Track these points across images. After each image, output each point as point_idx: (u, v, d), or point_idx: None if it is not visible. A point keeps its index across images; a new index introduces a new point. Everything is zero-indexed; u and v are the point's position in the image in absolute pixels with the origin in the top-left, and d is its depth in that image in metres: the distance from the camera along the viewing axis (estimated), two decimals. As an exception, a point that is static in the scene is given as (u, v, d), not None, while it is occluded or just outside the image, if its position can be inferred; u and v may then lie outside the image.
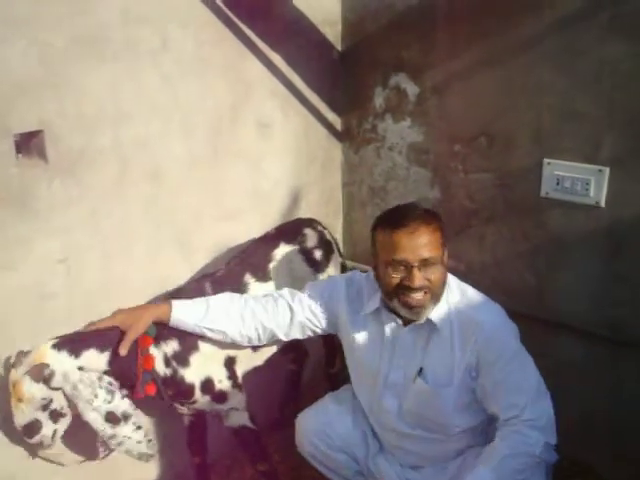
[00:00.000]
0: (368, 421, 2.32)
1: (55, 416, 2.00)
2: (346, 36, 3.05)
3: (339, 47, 3.07)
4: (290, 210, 2.95)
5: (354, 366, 2.31)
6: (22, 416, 1.95)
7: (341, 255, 2.79)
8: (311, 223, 2.70)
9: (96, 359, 2.04)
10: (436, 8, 2.72)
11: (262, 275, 2.45)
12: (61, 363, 1.97)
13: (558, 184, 2.51)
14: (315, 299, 2.26)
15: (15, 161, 2.00)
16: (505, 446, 1.95)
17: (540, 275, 2.66)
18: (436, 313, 2.05)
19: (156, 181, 2.40)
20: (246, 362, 2.42)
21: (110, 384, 2.04)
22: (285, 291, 2.30)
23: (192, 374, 2.24)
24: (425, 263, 1.95)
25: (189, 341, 2.23)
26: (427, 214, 2.03)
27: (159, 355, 2.18)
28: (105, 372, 2.06)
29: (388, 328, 2.15)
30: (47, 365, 1.94)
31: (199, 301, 2.21)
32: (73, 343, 2.02)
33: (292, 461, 2.69)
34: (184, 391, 2.24)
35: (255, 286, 2.42)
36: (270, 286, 2.45)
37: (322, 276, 2.60)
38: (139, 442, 2.09)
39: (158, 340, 2.18)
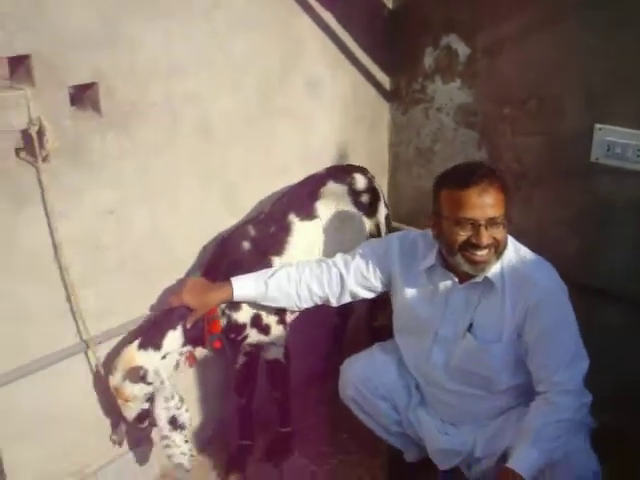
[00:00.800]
0: (412, 374, 2.36)
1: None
2: (397, -6, 3.02)
3: (390, 5, 3.04)
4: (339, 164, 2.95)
5: (403, 321, 2.33)
6: (131, 412, 2.23)
7: (387, 207, 2.81)
8: (360, 169, 2.73)
9: (173, 339, 2.25)
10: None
11: (307, 214, 2.49)
12: (150, 361, 2.20)
13: (609, 150, 2.49)
14: (367, 262, 2.31)
15: (69, 113, 2.03)
16: (537, 417, 2.01)
17: (586, 241, 2.65)
18: (494, 273, 2.08)
19: (205, 136, 2.42)
20: None
21: (181, 399, 2.27)
22: (338, 258, 2.35)
23: (243, 315, 2.38)
24: (492, 222, 1.98)
25: None
26: (493, 174, 2.04)
27: (218, 310, 2.33)
28: (182, 344, 2.27)
29: (442, 285, 2.18)
30: (140, 367, 2.18)
31: (259, 279, 2.31)
32: (152, 337, 2.23)
33: (332, 412, 2.79)
34: (238, 329, 2.41)
35: (299, 225, 2.46)
36: (316, 224, 2.50)
37: (370, 222, 2.66)
38: (183, 454, 2.28)
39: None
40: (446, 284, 2.17)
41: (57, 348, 2.17)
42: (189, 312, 2.24)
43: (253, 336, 2.45)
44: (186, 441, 2.28)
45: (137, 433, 2.44)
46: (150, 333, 2.25)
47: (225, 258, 2.37)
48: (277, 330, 2.48)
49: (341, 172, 2.66)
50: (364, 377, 2.37)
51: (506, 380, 2.15)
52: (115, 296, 2.29)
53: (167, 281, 2.45)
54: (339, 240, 2.55)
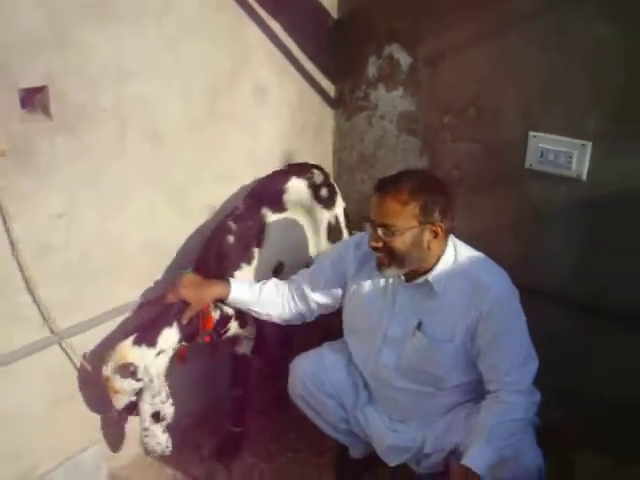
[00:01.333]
0: (361, 373, 2.42)
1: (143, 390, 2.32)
2: (342, 4, 3.09)
3: (335, 15, 3.11)
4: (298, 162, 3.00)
5: (354, 322, 2.40)
6: (119, 402, 2.31)
7: (343, 200, 2.91)
8: (317, 166, 2.84)
9: (168, 336, 2.34)
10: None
11: (278, 207, 2.63)
12: (143, 357, 2.28)
13: (542, 156, 2.60)
14: (325, 270, 2.41)
15: (20, 116, 2.03)
16: (491, 416, 2.08)
17: (523, 244, 2.76)
18: (436, 276, 2.16)
19: (154, 140, 2.45)
20: None
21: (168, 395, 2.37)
22: (299, 275, 2.47)
23: (230, 309, 2.50)
24: (385, 229, 2.08)
25: (228, 277, 2.45)
26: (405, 186, 2.07)
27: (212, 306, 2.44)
28: (178, 340, 2.36)
29: (391, 285, 2.27)
30: (131, 364, 2.25)
31: (253, 285, 2.44)
32: (148, 333, 2.32)
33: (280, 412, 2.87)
34: (224, 323, 2.54)
35: (272, 217, 2.60)
36: (287, 215, 2.66)
37: (329, 213, 2.79)
38: (159, 444, 2.36)
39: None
40: (394, 283, 2.25)
41: (6, 350, 2.17)
42: (185, 308, 2.32)
43: (233, 329, 2.58)
44: (164, 432, 2.36)
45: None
46: (145, 329, 2.33)
47: (213, 251, 2.50)
48: (251, 324, 2.62)
49: (301, 168, 2.77)
50: (312, 374, 2.42)
51: (456, 378, 2.22)
52: (64, 297, 2.29)
53: (115, 283, 2.46)
54: (305, 231, 2.74)
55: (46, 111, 2.11)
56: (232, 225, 2.51)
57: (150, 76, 2.37)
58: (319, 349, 2.51)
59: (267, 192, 2.63)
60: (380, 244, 2.10)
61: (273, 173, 2.73)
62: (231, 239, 2.49)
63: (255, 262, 2.55)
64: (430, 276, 2.16)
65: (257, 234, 2.56)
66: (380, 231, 2.09)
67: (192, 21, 2.46)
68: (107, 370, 2.27)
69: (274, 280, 2.47)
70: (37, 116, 2.11)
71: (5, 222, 2.06)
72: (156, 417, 2.33)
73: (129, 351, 2.28)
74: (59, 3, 2.04)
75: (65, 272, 2.28)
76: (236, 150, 2.80)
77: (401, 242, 2.08)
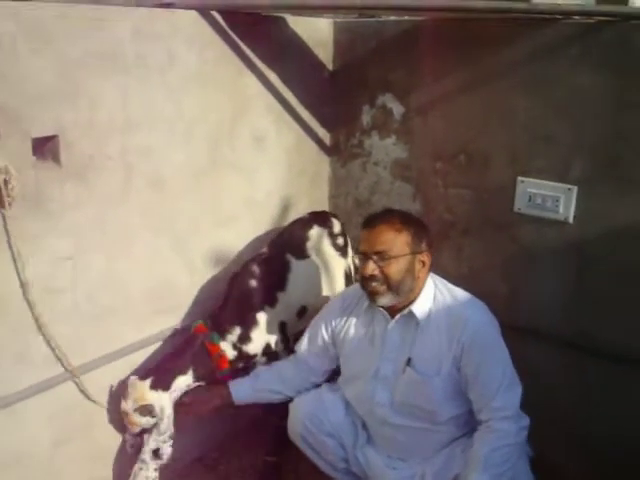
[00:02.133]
0: (359, 414, 2.48)
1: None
2: (337, 57, 3.22)
3: (330, 67, 3.24)
4: (280, 217, 3.12)
5: (345, 369, 2.48)
6: (135, 429, 2.44)
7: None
8: (335, 215, 3.00)
9: (182, 381, 2.48)
10: (421, 35, 2.91)
11: (300, 254, 2.78)
12: (159, 399, 2.42)
13: (530, 200, 2.69)
14: (317, 336, 2.53)
15: (32, 163, 2.13)
16: (483, 446, 2.15)
17: (513, 285, 2.83)
18: (420, 308, 2.27)
19: (158, 188, 2.53)
20: (293, 326, 2.76)
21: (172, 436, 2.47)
22: (301, 350, 2.58)
23: (254, 347, 2.60)
24: (380, 256, 2.20)
25: (249, 321, 2.61)
26: (396, 217, 2.28)
27: (228, 346, 2.56)
28: (192, 383, 2.51)
29: (377, 323, 2.35)
30: (150, 404, 2.40)
31: (250, 380, 2.57)
32: (163, 379, 2.45)
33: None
34: (248, 360, 2.64)
35: (295, 264, 2.73)
36: (308, 262, 2.80)
37: (345, 261, 2.92)
38: (147, 478, 2.43)
39: (224, 335, 2.55)
40: (381, 323, 2.34)
41: (12, 390, 2.22)
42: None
43: (262, 362, 2.68)
44: (156, 470, 2.43)
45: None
46: (161, 374, 2.45)
47: (236, 293, 2.61)
48: (283, 355, 2.70)
49: (322, 217, 2.92)
50: (312, 414, 2.48)
51: (448, 410, 2.28)
52: (70, 338, 2.35)
53: (121, 324, 2.53)
54: (326, 276, 2.85)
55: (56, 159, 2.20)
56: (256, 269, 2.63)
57: (154, 126, 2.46)
58: (318, 390, 2.57)
59: (291, 239, 2.77)
60: (376, 272, 2.20)
61: (297, 221, 2.88)
62: (254, 283, 2.61)
63: (279, 305, 2.65)
64: (413, 307, 2.27)
65: (281, 278, 2.68)
66: (375, 258, 2.19)
67: (193, 73, 2.56)
68: (127, 406, 2.40)
69: (266, 369, 2.60)
70: (48, 163, 2.20)
71: (16, 263, 2.13)
72: (156, 454, 2.41)
73: (148, 393, 2.40)
74: (70, 56, 2.15)
75: (72, 313, 2.35)
76: (235, 196, 2.89)
77: (396, 268, 2.20)
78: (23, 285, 2.17)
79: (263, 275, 2.63)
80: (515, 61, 2.66)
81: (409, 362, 2.28)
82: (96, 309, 2.43)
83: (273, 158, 3.06)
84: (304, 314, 2.75)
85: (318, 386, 2.59)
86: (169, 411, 2.42)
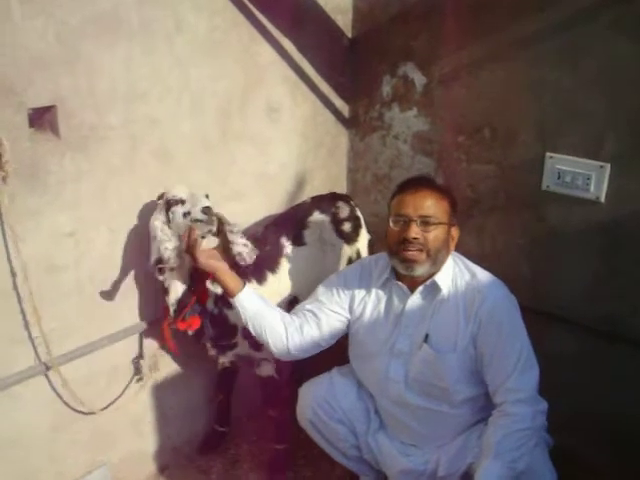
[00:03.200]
0: (372, 397, 2.39)
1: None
2: (356, 24, 3.09)
3: (349, 35, 3.11)
4: (295, 193, 3.01)
5: (361, 345, 2.35)
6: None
7: (369, 232, 2.88)
8: (344, 197, 2.87)
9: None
10: (444, 1, 2.76)
11: (296, 240, 2.67)
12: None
13: (559, 178, 2.56)
14: (331, 296, 2.35)
15: (28, 135, 2.04)
16: (496, 430, 2.05)
17: (537, 267, 2.71)
18: (441, 279, 2.17)
19: (164, 159, 2.44)
20: None
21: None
22: (307, 305, 2.37)
23: (235, 317, 2.41)
24: (424, 221, 2.11)
25: None
26: (435, 184, 2.22)
27: (212, 294, 2.42)
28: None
29: (396, 297, 2.25)
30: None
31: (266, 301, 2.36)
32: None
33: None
34: (227, 330, 2.50)
35: (290, 249, 2.64)
36: (304, 250, 2.68)
37: (351, 248, 2.77)
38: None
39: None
40: (399, 295, 2.24)
41: (14, 370, 2.16)
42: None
43: (244, 348, 2.54)
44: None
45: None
46: None
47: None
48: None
49: (326, 202, 2.78)
50: (323, 400, 2.39)
51: (462, 390, 2.18)
52: (74, 318, 2.28)
53: (124, 303, 2.44)
54: (322, 265, 2.72)
55: (55, 130, 2.12)
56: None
57: (160, 95, 2.37)
58: (328, 374, 2.47)
59: (288, 224, 2.68)
60: (419, 235, 2.10)
61: (297, 205, 2.79)
62: None
63: (267, 285, 2.54)
64: (437, 277, 2.17)
65: (273, 259, 2.58)
66: (418, 222, 2.10)
67: (203, 40, 2.45)
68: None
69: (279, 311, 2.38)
70: (45, 135, 2.12)
71: (9, 242, 2.06)
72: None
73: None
74: (69, 21, 2.04)
75: (74, 292, 2.27)
76: (247, 169, 2.78)
77: (436, 235, 2.13)
78: (21, 264, 2.08)
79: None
80: (544, 29, 2.51)
81: (426, 338, 2.19)
82: (100, 287, 2.35)
83: (288, 130, 2.94)
84: (295, 304, 2.57)
85: (328, 370, 2.48)
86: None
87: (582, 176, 2.50)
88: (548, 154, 2.57)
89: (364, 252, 2.81)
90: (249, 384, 2.81)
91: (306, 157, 3.06)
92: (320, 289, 2.38)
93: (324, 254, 2.72)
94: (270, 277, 2.57)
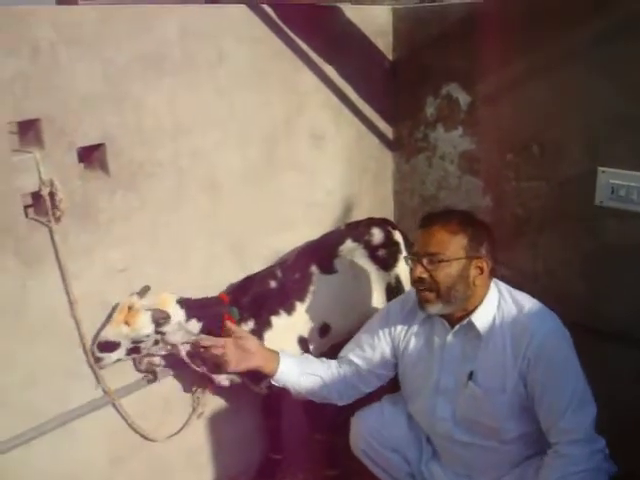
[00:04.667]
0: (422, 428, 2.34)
1: (131, 351, 2.21)
2: (397, 46, 3.07)
3: (390, 57, 3.09)
4: (343, 219, 2.98)
5: (406, 381, 2.33)
6: (113, 334, 2.15)
7: None
8: (380, 223, 2.79)
9: (194, 325, 2.28)
10: (485, 18, 2.73)
11: (326, 268, 2.60)
12: (176, 316, 2.22)
13: (613, 192, 2.49)
14: (372, 341, 2.32)
15: (79, 173, 2.07)
16: (551, 472, 1.99)
17: (593, 284, 2.64)
18: (482, 318, 2.09)
19: (212, 192, 2.45)
20: (316, 346, 2.59)
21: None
22: (348, 353, 2.37)
23: None
24: (431, 259, 2.04)
25: (263, 320, 2.45)
26: (453, 217, 2.10)
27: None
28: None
29: (437, 332, 2.20)
30: (167, 314, 2.18)
31: (298, 360, 2.34)
32: (190, 307, 2.27)
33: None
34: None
35: (319, 277, 2.58)
36: (335, 278, 2.61)
37: (388, 275, 2.72)
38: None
39: (239, 323, 2.38)
40: (441, 332, 2.19)
41: (67, 408, 2.17)
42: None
43: None
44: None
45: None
46: (190, 303, 2.29)
47: (252, 290, 2.47)
48: None
49: (359, 229, 2.71)
50: (374, 430, 2.35)
51: (513, 429, 2.11)
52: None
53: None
54: (356, 293, 2.68)
55: (104, 168, 2.14)
56: (278, 272, 2.52)
57: (205, 128, 2.38)
58: (379, 403, 2.44)
59: (319, 252, 2.63)
60: (425, 275, 2.04)
61: (329, 233, 2.73)
62: (273, 284, 2.49)
63: (296, 315, 2.51)
64: (473, 317, 2.10)
65: (301, 288, 2.54)
66: (425, 261, 2.04)
67: (245, 71, 2.46)
68: (138, 302, 2.16)
69: (318, 362, 2.37)
70: (95, 173, 2.14)
71: (64, 279, 2.07)
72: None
73: (172, 304, 2.22)
74: (115, 61, 2.08)
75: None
76: (294, 198, 2.78)
77: (447, 273, 2.04)
78: (74, 301, 2.10)
79: (284, 279, 2.51)
80: (589, 40, 2.46)
81: (471, 376, 2.12)
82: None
83: (333, 156, 2.93)
84: (327, 333, 2.59)
85: (379, 399, 2.45)
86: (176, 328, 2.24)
87: (637, 190, 2.43)
88: (600, 168, 2.51)
89: (404, 277, 2.74)
90: (299, 409, 2.76)
91: (352, 182, 3.04)
92: (363, 336, 2.36)
93: (356, 281, 2.67)
94: (299, 306, 2.52)
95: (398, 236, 2.79)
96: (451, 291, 2.05)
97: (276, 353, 2.28)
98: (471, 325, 2.11)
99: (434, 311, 2.10)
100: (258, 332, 2.42)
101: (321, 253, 2.62)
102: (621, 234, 2.53)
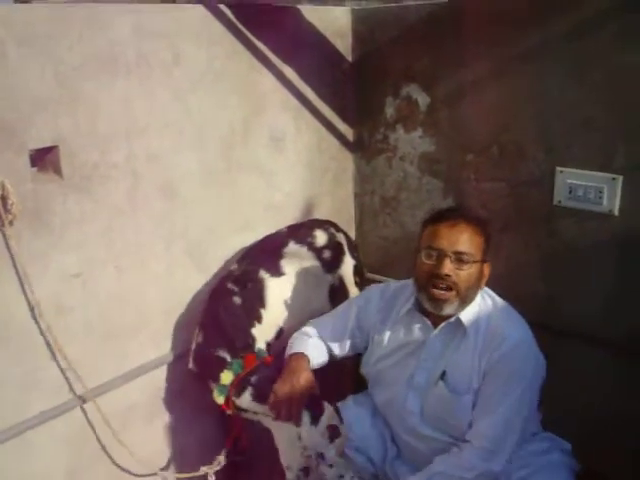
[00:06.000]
0: (387, 426, 2.35)
1: None
2: (357, 47, 3.06)
3: (350, 58, 3.08)
4: (302, 221, 2.95)
5: (377, 372, 2.33)
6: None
7: (355, 257, 2.81)
8: (323, 224, 2.77)
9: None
10: (445, 19, 2.73)
11: (275, 271, 2.55)
12: None
13: (571, 192, 2.51)
14: (347, 321, 2.36)
15: (31, 176, 2.02)
16: (441, 463, 2.05)
17: (553, 284, 2.66)
18: (466, 315, 2.10)
19: (169, 195, 2.41)
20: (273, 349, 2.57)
21: None
22: (320, 326, 2.41)
23: None
24: (458, 257, 2.02)
25: (247, 335, 2.43)
26: (474, 217, 2.12)
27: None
28: None
29: (418, 329, 2.20)
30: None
31: (306, 340, 2.35)
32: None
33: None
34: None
35: (271, 281, 2.53)
36: (285, 280, 2.58)
37: (332, 276, 2.71)
38: None
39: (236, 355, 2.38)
40: (421, 328, 2.19)
41: (22, 418, 2.12)
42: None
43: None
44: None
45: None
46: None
47: (222, 313, 2.42)
48: None
49: (302, 231, 2.69)
50: None
51: None
52: (83, 359, 2.23)
53: (136, 341, 2.41)
54: (304, 296, 2.64)
55: (57, 171, 2.09)
56: (234, 287, 2.46)
57: (161, 130, 2.34)
58: (343, 403, 2.43)
59: (263, 256, 2.58)
60: (453, 275, 2.02)
61: (270, 236, 2.67)
62: (238, 300, 2.44)
63: (265, 322, 2.49)
64: (462, 314, 2.10)
65: (259, 295, 2.50)
66: (452, 258, 2.02)
67: (201, 72, 2.43)
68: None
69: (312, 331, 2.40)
70: (48, 176, 2.10)
71: (22, 284, 2.04)
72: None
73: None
74: (66, 61, 2.03)
75: (84, 333, 2.24)
76: (254, 200, 2.75)
77: (470, 274, 2.05)
78: (31, 306, 2.07)
79: (242, 292, 2.46)
80: (548, 42, 2.46)
81: (443, 375, 2.13)
82: (109, 327, 2.31)
83: (293, 158, 2.91)
84: (281, 335, 2.57)
85: (343, 398, 2.46)
86: None
87: (594, 189, 2.45)
88: (558, 169, 2.52)
89: (349, 279, 2.76)
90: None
91: (312, 183, 3.03)
92: (337, 319, 2.39)
93: (304, 283, 2.64)
94: (263, 313, 2.49)
95: (341, 237, 2.78)
96: (469, 292, 2.07)
97: (302, 356, 2.28)
98: (458, 322, 2.11)
99: (450, 311, 2.08)
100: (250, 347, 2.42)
101: (266, 257, 2.57)
102: (579, 233, 2.54)
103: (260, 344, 2.46)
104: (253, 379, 2.31)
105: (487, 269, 2.12)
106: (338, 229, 2.81)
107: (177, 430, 2.64)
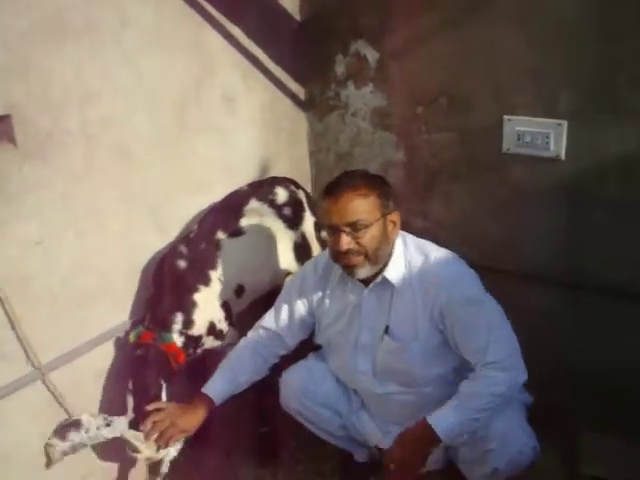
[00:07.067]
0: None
1: None
2: (304, 6, 3.06)
3: (298, 17, 3.08)
4: (263, 179, 2.97)
5: (326, 341, 2.39)
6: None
7: (315, 214, 2.84)
8: (283, 182, 2.79)
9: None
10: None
11: (233, 231, 2.56)
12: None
13: (519, 139, 2.57)
14: (290, 305, 2.38)
15: (-16, 146, 2.01)
16: (470, 385, 2.05)
17: (506, 228, 2.73)
18: (394, 272, 2.14)
19: (124, 158, 2.41)
20: (234, 306, 2.61)
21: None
22: (267, 318, 2.42)
23: (198, 328, 2.45)
24: (353, 227, 2.03)
25: (188, 304, 2.43)
26: (359, 180, 2.09)
27: (178, 336, 2.40)
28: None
29: (352, 292, 2.24)
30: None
31: (224, 373, 2.33)
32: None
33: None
34: (195, 342, 2.47)
35: (227, 241, 2.54)
36: (244, 240, 2.59)
37: (295, 233, 2.75)
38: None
39: (170, 328, 2.39)
40: (355, 291, 2.23)
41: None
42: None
43: (209, 342, 2.52)
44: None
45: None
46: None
47: (167, 278, 2.43)
48: (230, 332, 2.56)
49: (263, 188, 2.71)
50: (303, 387, 2.41)
51: (427, 372, 2.19)
52: (47, 328, 2.24)
53: (101, 306, 2.42)
54: (267, 254, 2.69)
55: (11, 139, 2.07)
56: (183, 249, 2.47)
57: (113, 94, 2.33)
58: (305, 361, 2.50)
59: (222, 215, 2.59)
60: (352, 245, 2.05)
61: (232, 194, 2.68)
62: (182, 263, 2.45)
63: (214, 284, 2.50)
64: (386, 272, 2.14)
65: (211, 257, 2.50)
66: (347, 230, 2.03)
67: (150, 33, 2.42)
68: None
69: (244, 344, 2.41)
70: (2, 145, 2.07)
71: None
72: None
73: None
74: (14, 27, 2.00)
75: (47, 301, 2.24)
76: (210, 160, 2.76)
77: (372, 236, 2.06)
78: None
79: (191, 255, 2.46)
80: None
81: (387, 330, 2.19)
82: (72, 294, 2.32)
83: (246, 117, 2.92)
84: (242, 293, 2.61)
85: (304, 357, 2.51)
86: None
87: (541, 135, 2.52)
88: (506, 117, 2.59)
89: (311, 235, 2.80)
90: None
91: (267, 143, 3.04)
92: (281, 304, 2.41)
93: (266, 240, 2.67)
94: (213, 274, 2.49)
95: (301, 194, 2.82)
96: (377, 252, 2.09)
97: (201, 395, 2.27)
98: (385, 281, 2.15)
99: (364, 274, 2.12)
100: (188, 318, 2.42)
101: (225, 216, 2.58)
102: (528, 178, 2.62)
103: (207, 308, 2.47)
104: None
105: (395, 218, 2.13)
106: (298, 186, 2.84)
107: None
